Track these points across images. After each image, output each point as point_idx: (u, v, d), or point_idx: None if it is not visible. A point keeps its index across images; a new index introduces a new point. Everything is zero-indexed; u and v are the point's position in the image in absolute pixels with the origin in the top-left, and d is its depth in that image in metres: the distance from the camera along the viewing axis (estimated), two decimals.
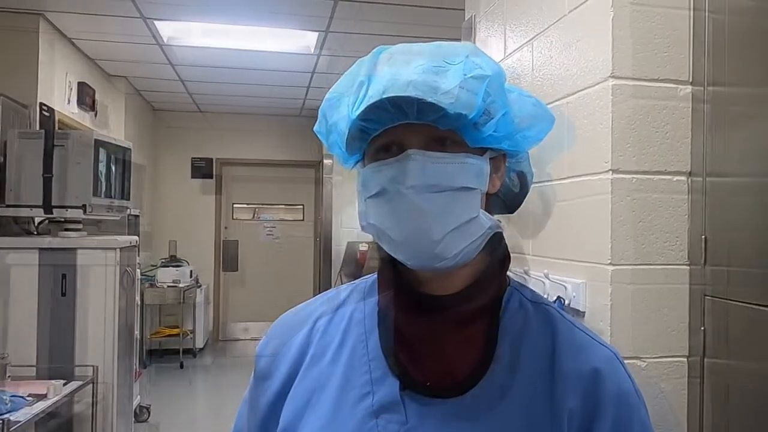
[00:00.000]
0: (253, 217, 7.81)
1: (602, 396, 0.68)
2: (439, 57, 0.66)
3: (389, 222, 0.67)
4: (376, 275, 0.79)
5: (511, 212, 0.82)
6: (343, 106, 0.69)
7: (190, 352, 6.57)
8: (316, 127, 0.75)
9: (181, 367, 6.20)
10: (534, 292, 0.78)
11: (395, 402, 0.68)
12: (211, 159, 7.44)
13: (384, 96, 0.62)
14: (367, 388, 0.70)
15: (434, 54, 0.67)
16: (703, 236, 1.27)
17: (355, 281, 0.83)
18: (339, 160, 0.75)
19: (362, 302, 0.78)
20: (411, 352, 0.70)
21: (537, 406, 0.67)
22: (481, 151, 0.69)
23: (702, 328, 1.26)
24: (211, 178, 7.45)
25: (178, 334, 6.39)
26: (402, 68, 0.65)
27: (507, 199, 0.80)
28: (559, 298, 1.38)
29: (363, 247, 6.06)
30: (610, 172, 1.26)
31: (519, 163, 0.80)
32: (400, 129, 0.66)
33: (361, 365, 0.72)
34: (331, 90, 0.72)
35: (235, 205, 7.73)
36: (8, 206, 3.11)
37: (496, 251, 0.73)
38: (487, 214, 0.70)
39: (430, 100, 0.61)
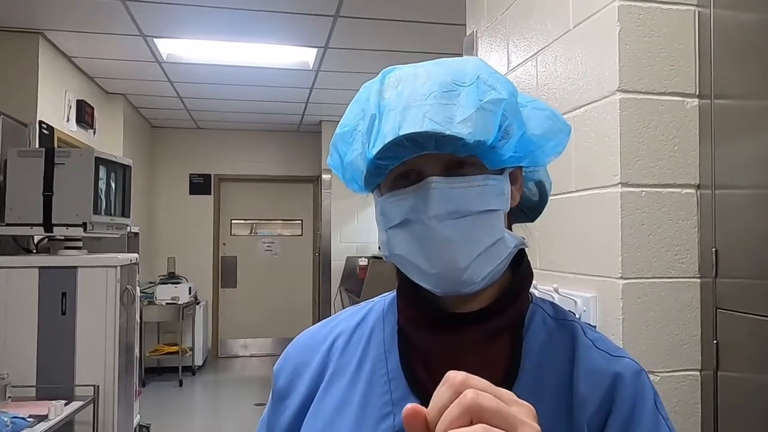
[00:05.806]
0: (251, 232, 7.80)
1: (619, 393, 0.66)
2: (447, 78, 0.64)
3: (415, 253, 0.66)
4: (394, 293, 0.77)
5: (532, 220, 0.81)
6: (357, 143, 0.67)
7: (189, 370, 6.52)
8: (329, 161, 0.73)
9: (180, 385, 6.14)
10: (557, 307, 0.76)
11: None
12: (209, 175, 7.44)
13: (400, 134, 0.61)
14: (387, 408, 0.69)
15: (442, 75, 0.65)
16: (713, 249, 1.26)
17: (373, 299, 0.82)
18: (352, 189, 0.73)
19: (381, 321, 0.77)
20: (431, 372, 0.69)
21: (558, 426, 0.66)
22: (500, 170, 0.67)
23: (714, 341, 1.25)
24: (209, 194, 7.45)
25: (177, 352, 6.35)
26: (412, 97, 0.63)
27: (527, 208, 0.79)
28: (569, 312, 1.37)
29: (363, 262, 6.04)
30: (620, 185, 1.26)
31: (536, 172, 0.78)
32: (417, 157, 0.64)
33: (381, 385, 0.71)
34: (341, 123, 0.70)
35: (233, 221, 7.71)
36: (8, 225, 3.10)
37: (519, 267, 0.72)
38: (511, 232, 0.69)
39: (448, 133, 0.60)
